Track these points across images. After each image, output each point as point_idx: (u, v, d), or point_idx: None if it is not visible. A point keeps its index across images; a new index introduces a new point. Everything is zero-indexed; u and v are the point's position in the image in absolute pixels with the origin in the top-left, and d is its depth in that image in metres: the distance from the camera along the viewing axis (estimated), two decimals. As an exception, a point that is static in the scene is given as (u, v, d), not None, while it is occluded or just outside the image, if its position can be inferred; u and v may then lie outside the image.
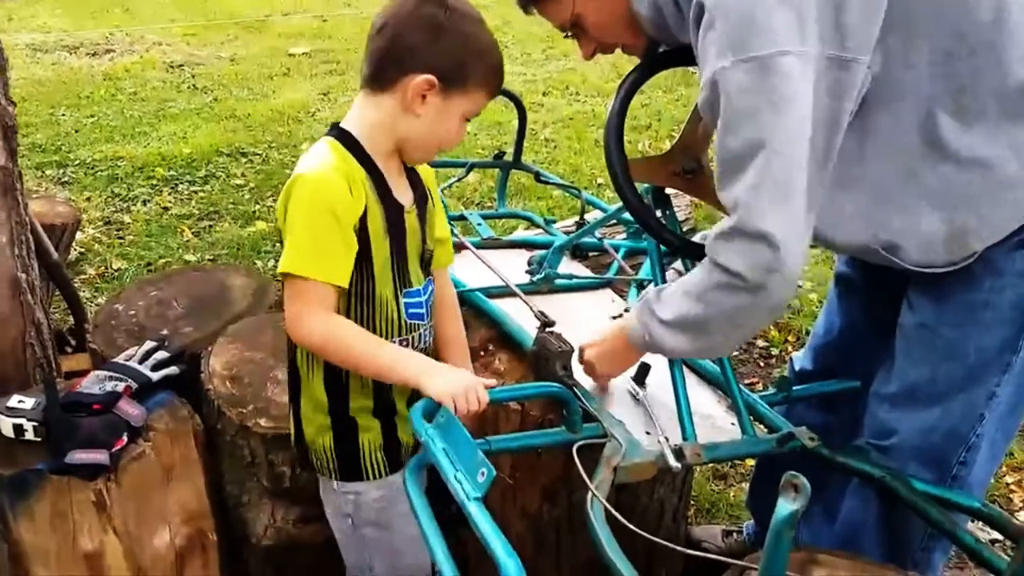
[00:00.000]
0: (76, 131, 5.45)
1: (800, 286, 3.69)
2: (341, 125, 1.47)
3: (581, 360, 1.68)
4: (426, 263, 1.58)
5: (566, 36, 1.56)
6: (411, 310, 1.53)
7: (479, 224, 2.38)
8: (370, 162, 1.44)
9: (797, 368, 1.98)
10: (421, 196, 1.55)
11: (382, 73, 1.41)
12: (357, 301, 1.46)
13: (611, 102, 1.58)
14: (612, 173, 1.54)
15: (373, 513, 1.57)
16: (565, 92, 6.29)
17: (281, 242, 1.44)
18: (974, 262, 1.42)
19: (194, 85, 6.56)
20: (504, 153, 2.52)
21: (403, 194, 1.50)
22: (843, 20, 1.25)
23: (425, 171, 1.59)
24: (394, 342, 1.51)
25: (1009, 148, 1.33)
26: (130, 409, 1.76)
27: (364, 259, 1.43)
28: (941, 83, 1.32)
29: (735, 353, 3.22)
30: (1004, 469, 2.68)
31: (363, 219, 1.41)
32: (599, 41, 1.54)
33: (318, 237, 1.37)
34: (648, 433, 1.65)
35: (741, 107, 1.25)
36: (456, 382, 1.36)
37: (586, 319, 1.97)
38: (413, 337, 1.54)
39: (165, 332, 2.10)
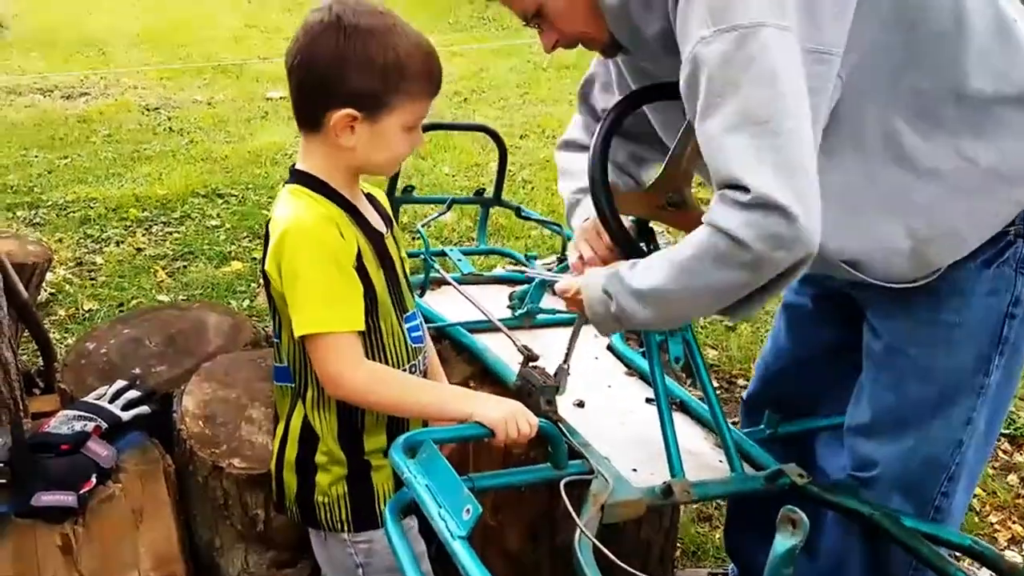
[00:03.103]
0: (49, 172, 5.39)
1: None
2: (299, 167, 1.44)
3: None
4: (410, 285, 1.57)
5: (526, 25, 1.50)
6: (413, 334, 1.53)
7: (460, 260, 2.36)
8: (341, 199, 1.43)
9: (747, 399, 1.97)
10: (387, 219, 1.55)
11: (305, 115, 1.39)
12: (368, 337, 1.44)
13: (594, 137, 1.57)
14: (598, 206, 1.53)
15: (388, 559, 1.52)
16: (542, 135, 6.32)
17: (258, 282, 1.41)
18: (940, 282, 1.42)
19: (170, 128, 6.53)
20: (484, 190, 2.52)
21: (376, 221, 1.49)
22: (817, 9, 1.23)
23: (379, 193, 1.59)
24: (404, 370, 1.50)
25: (968, 160, 1.33)
26: (99, 449, 1.71)
27: (369, 295, 1.41)
28: (899, 90, 1.32)
29: (718, 392, 3.19)
30: (988, 508, 2.67)
31: (359, 257, 1.40)
32: (561, 32, 1.48)
33: (328, 288, 1.35)
34: (635, 470, 1.63)
35: (724, 79, 1.21)
36: (507, 409, 1.37)
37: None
38: (418, 362, 1.55)
39: (137, 371, 2.05)
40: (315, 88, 1.35)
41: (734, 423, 2.98)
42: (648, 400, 1.88)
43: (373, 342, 1.46)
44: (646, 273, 1.35)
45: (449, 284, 2.12)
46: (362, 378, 1.38)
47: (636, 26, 1.41)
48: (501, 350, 1.91)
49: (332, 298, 1.36)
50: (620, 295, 1.37)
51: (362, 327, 1.40)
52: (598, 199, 1.51)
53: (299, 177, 1.43)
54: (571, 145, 1.81)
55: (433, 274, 2.19)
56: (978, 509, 2.66)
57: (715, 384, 3.26)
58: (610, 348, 2.08)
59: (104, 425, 1.78)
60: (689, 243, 1.29)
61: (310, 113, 1.38)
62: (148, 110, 7.01)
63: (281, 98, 7.22)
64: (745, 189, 1.19)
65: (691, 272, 1.28)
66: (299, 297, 1.35)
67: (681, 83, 1.29)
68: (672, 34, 1.34)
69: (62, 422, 1.75)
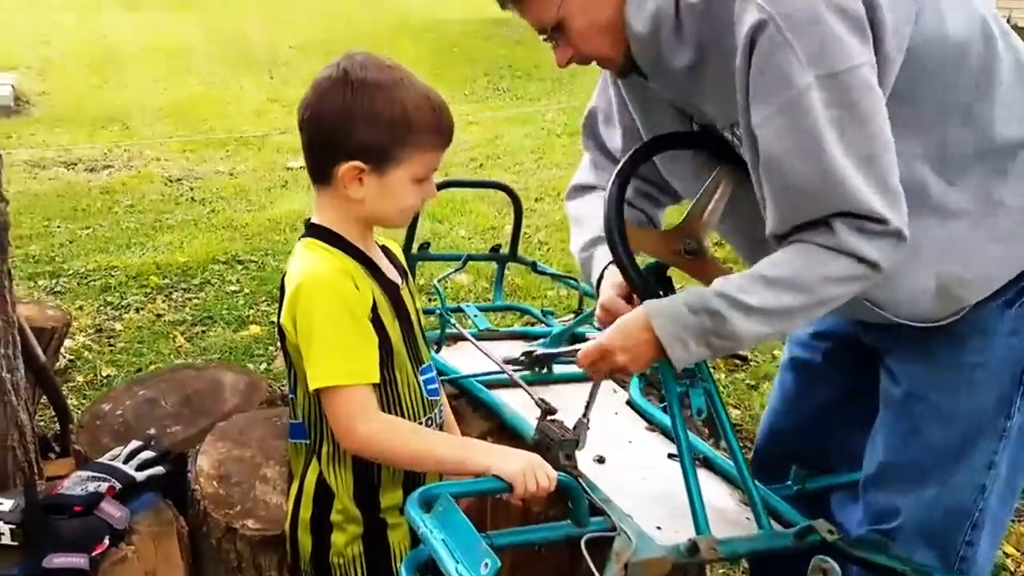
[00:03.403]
0: (71, 242, 5.46)
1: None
2: (313, 221, 1.45)
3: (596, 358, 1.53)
4: (426, 338, 1.55)
5: (544, 38, 1.49)
6: (429, 387, 1.52)
7: (476, 316, 2.36)
8: (356, 251, 1.43)
9: (756, 455, 1.95)
10: (402, 271, 1.54)
11: (316, 168, 1.41)
12: (383, 388, 1.43)
13: (608, 187, 1.56)
14: (615, 253, 1.51)
15: None
16: (557, 198, 6.36)
17: (275, 345, 1.41)
18: (962, 324, 1.43)
19: (192, 198, 6.62)
20: (500, 246, 2.52)
21: (391, 272, 1.49)
22: (883, 51, 1.27)
23: (394, 245, 1.58)
24: (420, 423, 1.48)
25: (996, 204, 1.37)
26: (113, 511, 1.69)
27: (384, 347, 1.40)
28: (924, 140, 1.35)
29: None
30: (1023, 569, 2.58)
31: (374, 309, 1.39)
32: (577, 49, 1.46)
33: (343, 341, 1.34)
34: (659, 528, 1.59)
35: (834, 122, 1.25)
36: (525, 462, 1.33)
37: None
38: (434, 415, 1.52)
39: (152, 431, 2.04)
40: (323, 142, 1.37)
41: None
42: (670, 455, 1.84)
43: (389, 395, 1.44)
44: (764, 292, 1.36)
45: (466, 340, 2.11)
46: (377, 431, 1.36)
47: (663, 55, 1.40)
48: (519, 406, 1.89)
49: (347, 351, 1.35)
50: (733, 315, 1.37)
51: (377, 379, 1.38)
52: (614, 245, 1.51)
53: (313, 231, 1.44)
54: (580, 189, 1.80)
55: (450, 330, 2.18)
56: (1012, 569, 2.57)
57: (740, 444, 3.20)
58: (629, 403, 2.05)
59: (118, 486, 1.76)
60: (803, 265, 1.34)
61: (320, 166, 1.39)
62: (171, 181, 7.12)
63: (301, 167, 7.32)
64: (879, 220, 1.28)
65: (817, 291, 1.34)
66: (314, 350, 1.34)
67: (775, 129, 1.30)
68: (699, 67, 1.36)
69: (76, 483, 1.74)
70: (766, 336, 1.41)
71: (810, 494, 1.80)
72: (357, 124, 1.34)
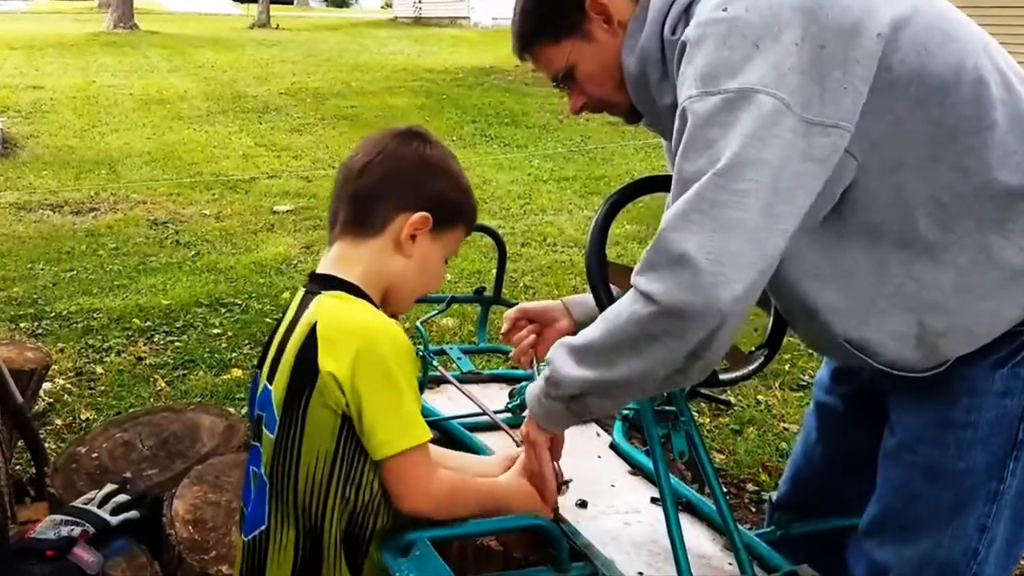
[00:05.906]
0: (54, 285, 5.43)
1: (787, 429, 3.62)
2: (340, 276, 1.34)
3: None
4: None
5: (556, 86, 1.53)
6: None
7: (459, 358, 2.34)
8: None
9: (776, 502, 1.90)
10: None
11: (369, 214, 1.34)
12: None
13: (591, 229, 1.56)
14: (592, 285, 1.51)
15: None
16: (543, 243, 6.40)
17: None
18: (952, 381, 1.37)
19: (177, 241, 6.61)
20: (484, 288, 2.52)
21: None
22: (822, 81, 1.21)
23: None
24: None
25: (991, 259, 1.30)
26: (85, 555, 1.66)
27: None
28: (922, 184, 1.29)
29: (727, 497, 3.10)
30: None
31: None
32: (588, 95, 1.51)
33: (409, 400, 1.28)
34: (641, 574, 1.57)
35: (700, 136, 1.21)
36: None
37: (570, 451, 1.90)
38: None
39: (128, 475, 2.01)
40: (394, 187, 1.33)
41: (748, 528, 2.90)
42: (653, 500, 1.82)
43: None
44: (591, 329, 1.32)
45: (448, 383, 2.10)
46: (444, 490, 1.33)
47: (652, 96, 1.43)
48: (501, 449, 1.87)
49: (412, 410, 1.29)
50: (556, 356, 1.36)
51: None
52: (596, 288, 1.50)
53: (343, 287, 1.34)
54: None
55: (432, 372, 2.16)
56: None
57: (723, 489, 3.18)
58: (612, 446, 2.04)
59: (92, 530, 1.73)
60: (616, 303, 1.30)
61: (374, 213, 1.34)
62: (156, 224, 7.10)
63: (287, 211, 7.34)
64: (664, 240, 1.19)
65: (614, 325, 1.26)
66: (381, 410, 1.25)
67: (673, 139, 1.30)
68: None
69: (48, 527, 1.71)
70: (588, 382, 1.31)
71: (823, 543, 1.77)
72: (436, 178, 1.34)
